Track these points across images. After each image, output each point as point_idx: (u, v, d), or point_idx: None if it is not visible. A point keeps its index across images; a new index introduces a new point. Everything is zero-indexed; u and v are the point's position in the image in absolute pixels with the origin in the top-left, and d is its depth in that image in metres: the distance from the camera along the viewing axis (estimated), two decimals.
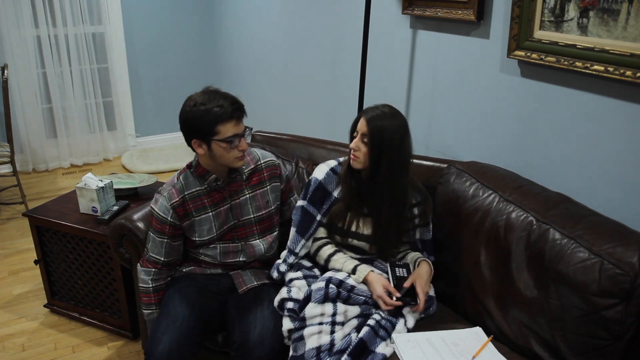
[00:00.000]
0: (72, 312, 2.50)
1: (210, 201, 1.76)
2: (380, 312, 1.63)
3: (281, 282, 1.80)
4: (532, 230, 1.54)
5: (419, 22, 2.31)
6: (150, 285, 1.81)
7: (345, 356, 1.49)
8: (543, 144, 1.82)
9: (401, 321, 1.64)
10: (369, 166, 1.68)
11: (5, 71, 3.24)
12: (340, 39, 2.91)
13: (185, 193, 1.74)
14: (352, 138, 1.72)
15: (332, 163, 1.83)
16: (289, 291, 1.69)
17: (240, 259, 1.84)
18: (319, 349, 1.52)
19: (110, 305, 2.39)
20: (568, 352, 1.42)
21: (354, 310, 1.62)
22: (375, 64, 2.59)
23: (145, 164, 4.38)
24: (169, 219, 1.73)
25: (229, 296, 1.82)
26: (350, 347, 1.51)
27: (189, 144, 1.68)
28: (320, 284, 1.62)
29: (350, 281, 1.65)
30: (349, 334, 1.56)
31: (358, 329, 1.59)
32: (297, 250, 1.79)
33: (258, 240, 1.85)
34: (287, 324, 1.64)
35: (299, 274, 1.76)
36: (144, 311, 1.85)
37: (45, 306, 2.58)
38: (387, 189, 1.68)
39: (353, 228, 1.76)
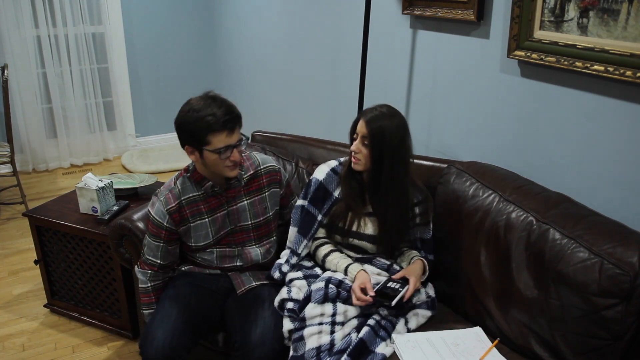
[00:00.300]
0: (72, 312, 2.50)
1: (206, 207, 1.75)
2: (380, 312, 1.63)
3: (281, 282, 1.79)
4: (532, 230, 1.54)
5: (419, 22, 2.31)
6: (149, 285, 1.81)
7: (345, 356, 1.49)
8: (543, 144, 1.82)
9: (401, 321, 1.64)
10: (370, 167, 1.68)
11: (5, 71, 3.24)
12: (340, 39, 2.91)
13: (182, 198, 1.72)
14: (351, 140, 1.72)
15: (333, 163, 1.83)
16: (289, 291, 1.69)
17: (237, 264, 1.84)
18: (319, 349, 1.52)
19: (110, 305, 2.39)
20: (568, 352, 1.42)
21: (354, 310, 1.62)
22: (375, 64, 2.59)
23: (145, 164, 4.38)
24: (165, 224, 1.73)
25: (228, 296, 1.82)
26: (350, 347, 1.51)
27: (183, 148, 1.66)
28: (320, 284, 1.62)
29: (350, 281, 1.65)
30: (349, 334, 1.56)
31: (358, 329, 1.59)
32: (299, 251, 1.79)
33: (255, 247, 1.84)
34: (287, 324, 1.64)
35: (299, 273, 1.76)
36: (144, 311, 1.85)
37: (45, 306, 2.58)
38: (391, 189, 1.68)
39: (354, 228, 1.76)
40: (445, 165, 1.96)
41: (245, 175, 1.79)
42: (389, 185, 1.67)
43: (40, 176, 4.23)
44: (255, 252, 1.84)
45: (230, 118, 1.58)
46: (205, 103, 1.59)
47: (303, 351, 1.53)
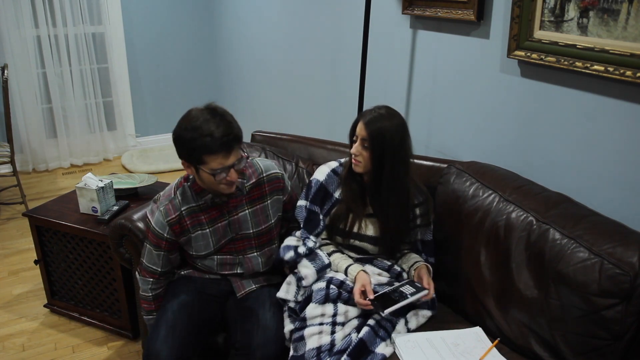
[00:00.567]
0: (72, 312, 2.50)
1: (207, 217, 1.72)
2: (381, 312, 1.63)
3: (282, 274, 1.78)
4: (532, 230, 1.54)
5: (419, 22, 2.31)
6: (150, 294, 1.80)
7: (345, 356, 1.49)
8: (543, 144, 1.82)
9: (401, 321, 1.64)
10: (371, 169, 1.67)
11: (5, 71, 3.24)
12: (340, 39, 2.91)
13: (182, 209, 1.69)
14: (351, 142, 1.71)
15: (333, 164, 1.83)
16: (299, 280, 1.67)
17: (238, 272, 1.81)
18: (319, 349, 1.52)
19: (110, 305, 2.39)
20: (568, 352, 1.42)
21: (355, 310, 1.62)
22: (375, 64, 2.59)
23: (145, 164, 4.38)
24: (165, 235, 1.70)
25: (228, 298, 1.82)
26: (350, 347, 1.51)
27: (180, 159, 1.62)
28: (322, 284, 1.62)
29: (350, 282, 1.65)
30: (349, 334, 1.56)
31: (358, 329, 1.59)
32: (308, 244, 1.73)
33: (256, 254, 1.81)
34: (288, 325, 1.65)
35: (311, 267, 1.73)
36: (144, 316, 1.85)
37: (45, 306, 2.58)
38: (392, 189, 1.67)
39: (355, 229, 1.75)
40: (445, 165, 1.96)
41: (248, 184, 1.75)
42: (390, 186, 1.67)
43: (40, 176, 4.23)
44: (256, 260, 1.81)
45: (228, 140, 1.52)
46: (204, 119, 1.52)
47: (303, 351, 1.53)
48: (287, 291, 1.71)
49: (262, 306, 1.71)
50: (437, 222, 1.84)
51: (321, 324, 1.56)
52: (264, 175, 1.78)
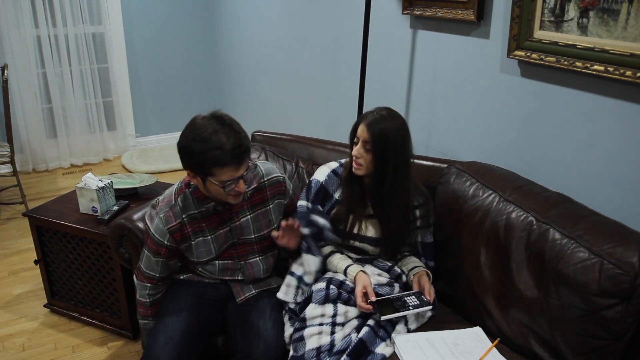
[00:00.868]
0: (72, 312, 2.50)
1: (208, 224, 1.69)
2: (378, 317, 1.62)
3: (282, 278, 1.78)
4: (532, 230, 1.54)
5: (419, 22, 2.31)
6: (148, 300, 1.77)
7: (344, 356, 1.49)
8: (543, 144, 1.82)
9: (401, 321, 1.63)
10: (373, 172, 1.66)
11: (5, 71, 3.24)
12: (340, 39, 2.91)
13: (184, 216, 1.65)
14: (352, 144, 1.70)
15: (333, 165, 1.82)
16: (299, 279, 1.68)
17: (239, 278, 1.79)
18: (319, 350, 1.52)
19: (110, 305, 2.39)
20: (568, 352, 1.42)
21: (355, 311, 1.62)
22: (375, 64, 2.59)
23: (145, 164, 4.38)
24: (165, 242, 1.67)
25: (228, 303, 1.80)
26: (350, 347, 1.51)
27: (184, 168, 1.57)
28: (321, 284, 1.62)
29: (350, 282, 1.65)
30: (349, 334, 1.56)
31: (358, 329, 1.58)
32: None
33: (258, 259, 1.77)
34: (289, 330, 1.65)
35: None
36: (139, 320, 1.84)
37: (45, 306, 2.58)
38: (393, 190, 1.66)
39: (355, 230, 1.75)
40: (445, 165, 1.96)
41: (249, 189, 1.71)
42: (391, 188, 1.66)
43: (40, 176, 4.23)
44: (258, 265, 1.78)
45: (239, 153, 1.47)
46: (213, 130, 1.46)
47: (303, 351, 1.53)
48: (286, 293, 1.71)
49: (263, 315, 1.69)
50: (437, 222, 1.84)
51: (321, 324, 1.56)
52: (265, 179, 1.75)
